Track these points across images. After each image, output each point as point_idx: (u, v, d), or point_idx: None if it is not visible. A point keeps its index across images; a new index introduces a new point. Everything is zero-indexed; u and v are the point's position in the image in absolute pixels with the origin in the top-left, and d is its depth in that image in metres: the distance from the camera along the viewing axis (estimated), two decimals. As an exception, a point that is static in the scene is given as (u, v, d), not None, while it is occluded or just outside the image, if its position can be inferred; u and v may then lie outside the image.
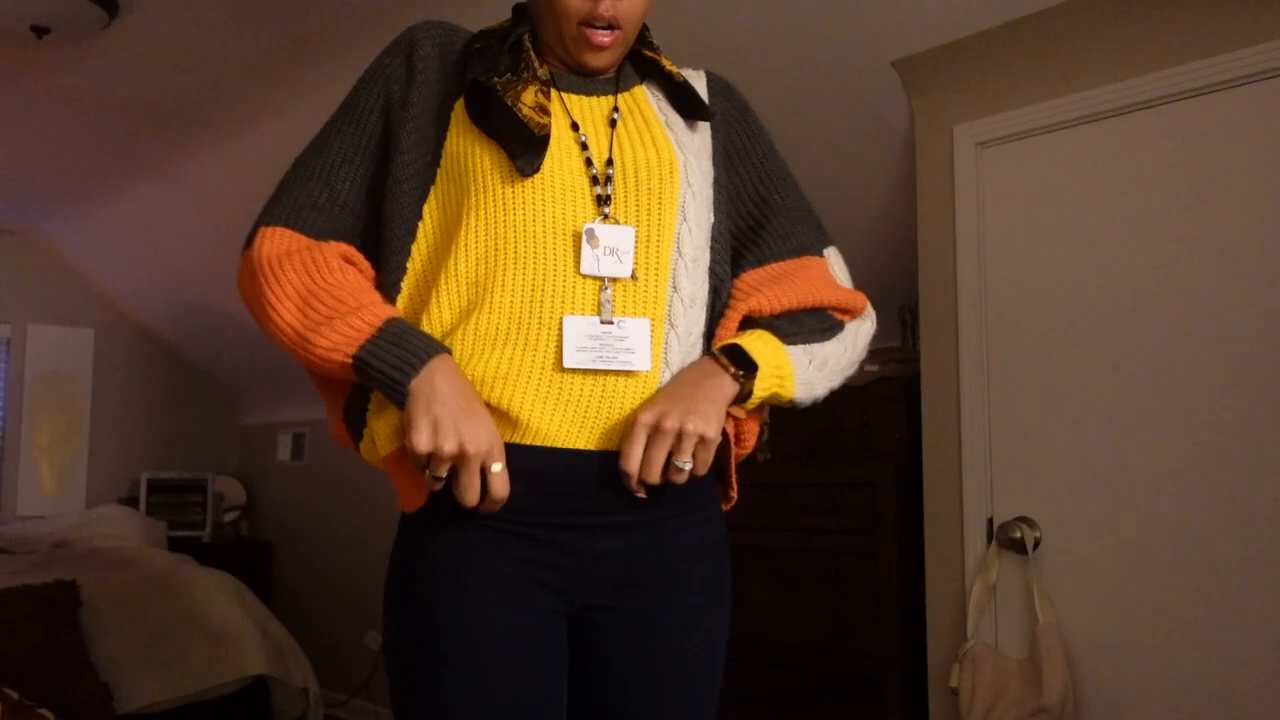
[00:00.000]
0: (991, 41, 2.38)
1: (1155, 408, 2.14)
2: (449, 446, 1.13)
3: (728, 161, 1.42)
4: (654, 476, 1.19)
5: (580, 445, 1.22)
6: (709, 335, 1.33)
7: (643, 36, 1.39)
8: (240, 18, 2.77)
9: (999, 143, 2.41)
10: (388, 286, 1.28)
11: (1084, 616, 2.21)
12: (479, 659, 1.20)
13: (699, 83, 1.45)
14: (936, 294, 2.51)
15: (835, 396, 2.81)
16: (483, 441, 1.15)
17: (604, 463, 1.22)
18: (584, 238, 1.24)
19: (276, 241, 1.26)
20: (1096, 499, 2.21)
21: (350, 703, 4.68)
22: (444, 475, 1.15)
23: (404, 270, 1.28)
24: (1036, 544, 2.29)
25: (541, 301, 1.22)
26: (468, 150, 1.27)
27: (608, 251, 1.24)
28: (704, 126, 1.41)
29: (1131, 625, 2.15)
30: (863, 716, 2.59)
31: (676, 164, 1.31)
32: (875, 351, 2.92)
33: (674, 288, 1.28)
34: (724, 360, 1.24)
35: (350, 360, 1.17)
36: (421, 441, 1.13)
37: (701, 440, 1.20)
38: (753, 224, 1.42)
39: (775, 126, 2.73)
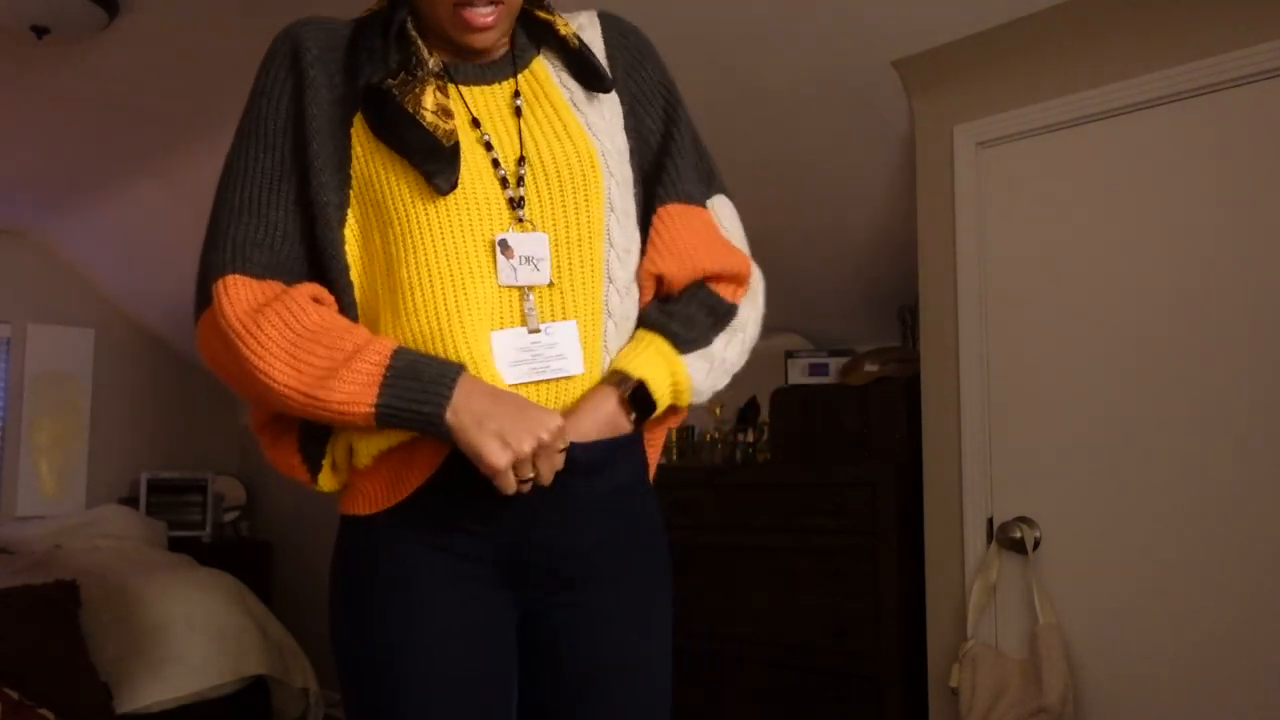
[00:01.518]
0: (991, 41, 2.38)
1: (1155, 408, 2.14)
2: (527, 446, 1.12)
3: (634, 112, 1.35)
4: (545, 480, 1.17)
5: None
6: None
7: None
8: (241, 17, 2.76)
9: (999, 143, 2.41)
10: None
11: (1084, 616, 2.21)
12: (429, 657, 1.20)
13: (593, 33, 1.36)
14: (936, 294, 2.51)
15: (835, 396, 2.83)
16: (552, 423, 1.14)
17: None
18: (498, 249, 1.20)
19: (240, 295, 1.17)
20: (1096, 499, 2.21)
21: (350, 703, 4.68)
22: (532, 474, 1.14)
23: (353, 301, 1.24)
24: (1036, 544, 2.29)
25: (476, 319, 1.19)
26: (378, 174, 1.21)
27: (524, 260, 1.20)
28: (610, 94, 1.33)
29: (1131, 625, 2.15)
30: (863, 716, 2.59)
31: (596, 156, 1.26)
32: (875, 351, 2.92)
33: (609, 279, 1.26)
34: (627, 406, 1.23)
35: (374, 409, 1.13)
36: (499, 458, 1.11)
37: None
38: (655, 161, 1.36)
39: (776, 126, 2.75)
